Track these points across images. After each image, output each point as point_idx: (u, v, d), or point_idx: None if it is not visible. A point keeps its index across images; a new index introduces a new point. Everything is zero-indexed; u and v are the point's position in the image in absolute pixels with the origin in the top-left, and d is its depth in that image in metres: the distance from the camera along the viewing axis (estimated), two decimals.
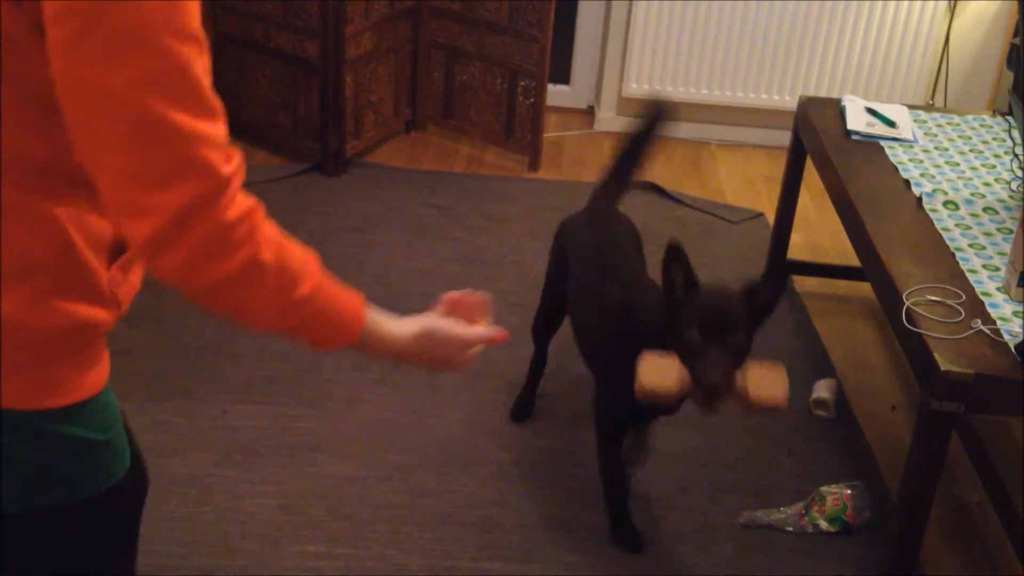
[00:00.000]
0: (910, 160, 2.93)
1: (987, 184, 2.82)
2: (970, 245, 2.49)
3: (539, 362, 2.78)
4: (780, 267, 1.98)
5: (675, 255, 2.05)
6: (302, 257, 1.23)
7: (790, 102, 4.39)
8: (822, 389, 2.91)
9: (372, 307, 1.31)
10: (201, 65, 1.03)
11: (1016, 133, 2.96)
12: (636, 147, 2.68)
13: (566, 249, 2.58)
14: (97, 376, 1.21)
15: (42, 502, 1.19)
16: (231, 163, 1.07)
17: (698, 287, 2.06)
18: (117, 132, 1.01)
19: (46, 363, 1.13)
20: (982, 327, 2.16)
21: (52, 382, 1.14)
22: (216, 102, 1.05)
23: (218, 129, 1.05)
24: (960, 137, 3.12)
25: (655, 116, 2.68)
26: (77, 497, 1.21)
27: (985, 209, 2.67)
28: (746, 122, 4.59)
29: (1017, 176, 2.84)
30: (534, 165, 4.21)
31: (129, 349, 2.94)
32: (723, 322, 1.99)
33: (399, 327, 1.38)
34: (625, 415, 2.36)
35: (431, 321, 1.42)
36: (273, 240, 1.17)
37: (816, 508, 2.47)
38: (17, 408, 1.12)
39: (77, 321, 1.15)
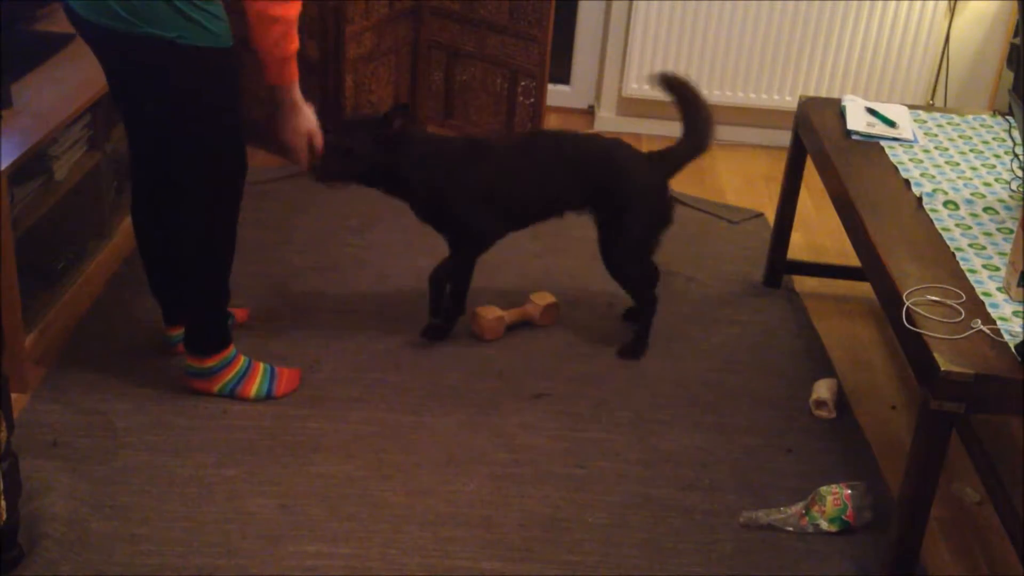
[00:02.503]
0: (910, 160, 2.93)
1: (987, 184, 2.82)
2: (970, 245, 2.49)
3: None
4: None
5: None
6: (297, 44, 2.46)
7: (790, 102, 4.39)
8: (822, 389, 2.91)
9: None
10: None
11: (1016, 133, 2.97)
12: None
13: None
14: None
15: (210, 40, 2.36)
16: None
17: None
18: None
19: None
20: (982, 327, 2.16)
21: None
22: None
23: None
24: (960, 137, 3.12)
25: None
26: (223, 44, 2.39)
27: (985, 209, 2.67)
28: (746, 122, 4.59)
29: (1017, 176, 2.84)
30: None
31: (129, 349, 2.94)
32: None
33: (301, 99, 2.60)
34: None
35: (308, 112, 2.62)
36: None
37: (816, 508, 2.47)
38: None
39: None
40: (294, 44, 2.44)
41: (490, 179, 2.92)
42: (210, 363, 2.69)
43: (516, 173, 2.97)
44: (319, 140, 2.65)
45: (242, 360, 2.73)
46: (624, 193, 2.96)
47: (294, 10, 2.38)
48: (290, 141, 2.62)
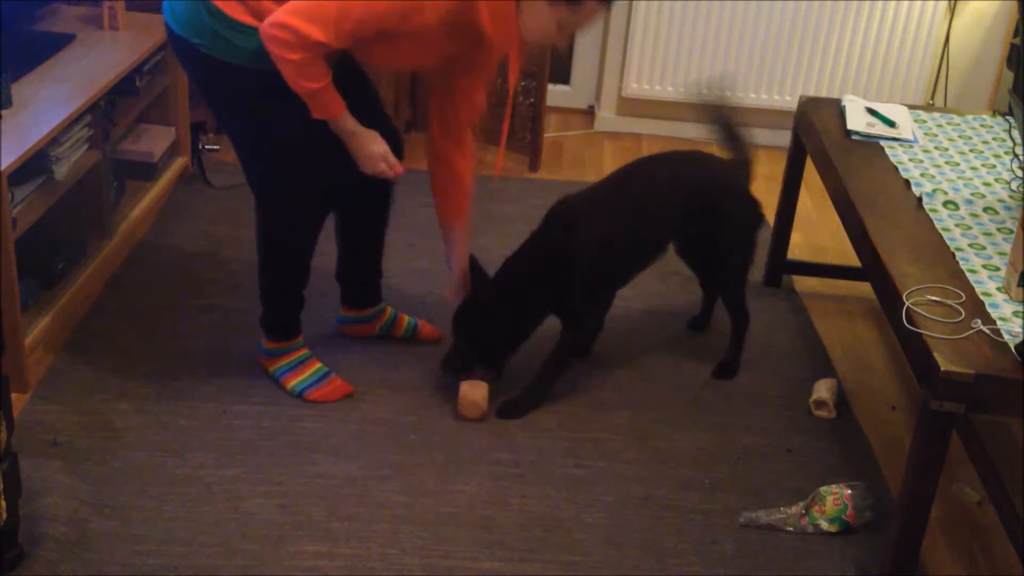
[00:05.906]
0: (910, 160, 2.93)
1: (987, 184, 2.82)
2: (970, 245, 2.49)
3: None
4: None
5: None
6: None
7: (790, 102, 4.39)
8: (822, 389, 2.91)
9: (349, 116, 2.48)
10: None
11: (1016, 133, 2.97)
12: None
13: None
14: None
15: (239, 58, 2.42)
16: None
17: None
18: None
19: None
20: (982, 327, 2.16)
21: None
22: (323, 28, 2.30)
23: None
24: (960, 137, 3.12)
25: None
26: (258, 67, 2.40)
27: (985, 209, 2.67)
28: (746, 122, 4.58)
29: (1017, 176, 2.84)
30: (534, 165, 4.21)
31: (129, 349, 2.94)
32: None
33: (355, 124, 2.52)
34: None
35: (371, 135, 2.55)
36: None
37: (816, 508, 2.47)
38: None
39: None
40: (311, 83, 2.37)
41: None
42: (270, 346, 2.83)
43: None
44: (391, 161, 2.60)
45: (301, 353, 2.84)
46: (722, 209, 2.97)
47: (297, 55, 2.32)
48: (365, 168, 2.58)
